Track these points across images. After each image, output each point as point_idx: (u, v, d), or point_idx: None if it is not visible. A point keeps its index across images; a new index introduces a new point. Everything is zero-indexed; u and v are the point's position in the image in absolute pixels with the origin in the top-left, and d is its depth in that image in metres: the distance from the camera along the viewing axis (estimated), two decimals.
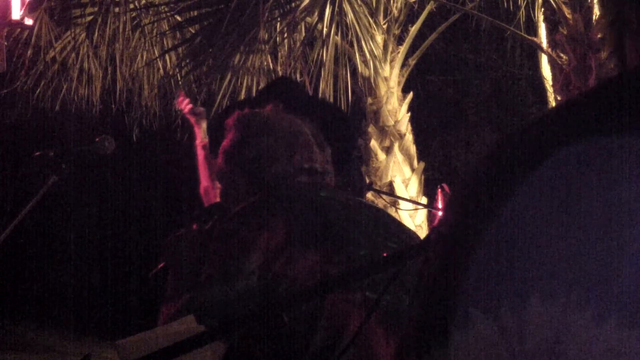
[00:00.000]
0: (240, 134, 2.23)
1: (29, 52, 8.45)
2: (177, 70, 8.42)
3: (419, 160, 7.63)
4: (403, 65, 7.77)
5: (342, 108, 6.13)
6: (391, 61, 7.64)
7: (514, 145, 0.82)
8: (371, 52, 6.84)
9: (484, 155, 0.85)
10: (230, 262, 1.91)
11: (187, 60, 7.75)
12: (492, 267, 0.72)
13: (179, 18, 8.14)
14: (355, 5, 6.68)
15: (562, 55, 6.86)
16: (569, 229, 0.70)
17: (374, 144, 7.35)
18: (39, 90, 8.76)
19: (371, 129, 7.43)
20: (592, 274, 0.68)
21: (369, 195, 5.15)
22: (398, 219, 2.26)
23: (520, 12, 7.74)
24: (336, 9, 6.56)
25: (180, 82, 8.56)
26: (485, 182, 0.82)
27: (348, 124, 3.31)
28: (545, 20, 8.60)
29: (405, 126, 7.61)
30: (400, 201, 6.53)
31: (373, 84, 7.47)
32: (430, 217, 7.04)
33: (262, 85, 7.06)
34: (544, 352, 0.68)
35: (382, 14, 7.49)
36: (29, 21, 5.13)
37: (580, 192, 0.71)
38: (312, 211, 1.99)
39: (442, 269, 0.76)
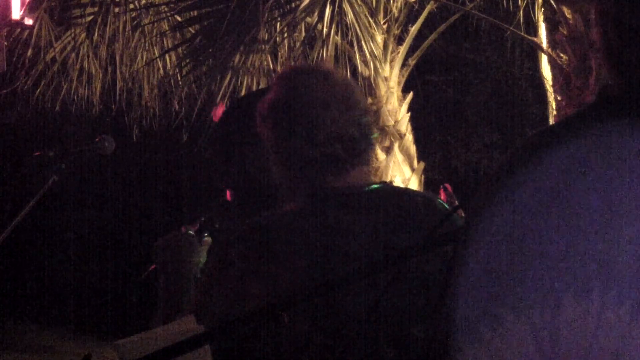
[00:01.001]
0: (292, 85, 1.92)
1: (29, 52, 8.45)
2: (177, 70, 8.42)
3: (419, 160, 7.63)
4: (403, 65, 7.77)
5: None
6: (391, 61, 7.64)
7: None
8: (371, 52, 6.84)
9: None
10: (224, 305, 1.79)
11: (187, 60, 7.75)
12: (521, 268, 0.72)
13: (179, 18, 8.14)
14: (355, 5, 6.68)
15: (562, 55, 6.86)
16: (602, 228, 0.70)
17: None
18: (39, 90, 8.77)
19: None
20: (627, 271, 0.68)
21: None
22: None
23: (520, 12, 7.74)
24: (336, 9, 6.56)
25: (180, 82, 8.56)
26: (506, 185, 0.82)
27: None
28: (545, 20, 8.60)
29: (405, 126, 7.61)
30: None
31: (373, 84, 7.47)
32: None
33: (262, 85, 7.06)
34: (579, 351, 0.68)
35: (382, 14, 7.49)
36: (29, 21, 5.13)
37: (615, 190, 0.71)
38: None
39: (468, 270, 0.77)
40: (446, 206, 1.97)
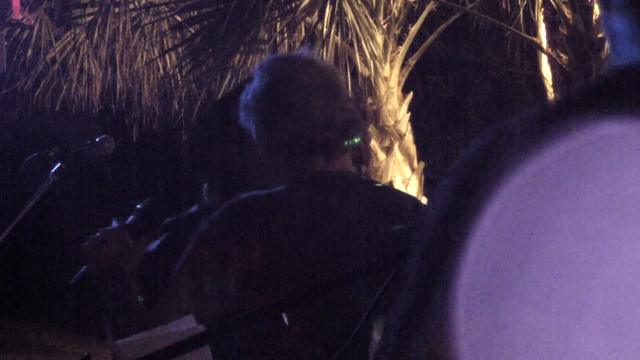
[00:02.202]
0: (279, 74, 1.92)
1: (29, 52, 8.45)
2: (177, 70, 8.42)
3: (419, 160, 7.63)
4: (403, 65, 7.77)
5: None
6: (391, 61, 7.64)
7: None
8: (371, 52, 6.84)
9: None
10: (207, 280, 1.78)
11: (187, 60, 7.75)
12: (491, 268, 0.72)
13: (179, 18, 8.14)
14: (355, 5, 6.68)
15: (562, 55, 6.86)
16: (563, 230, 0.70)
17: (374, 144, 7.35)
18: (39, 90, 8.76)
19: (371, 129, 7.43)
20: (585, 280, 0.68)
21: None
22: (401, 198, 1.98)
23: (520, 12, 7.74)
24: (336, 9, 6.56)
25: (180, 82, 8.56)
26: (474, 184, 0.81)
27: None
28: (545, 20, 8.59)
29: (405, 126, 7.61)
30: None
31: (373, 84, 7.47)
32: None
33: None
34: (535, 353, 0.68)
35: (382, 14, 7.48)
36: (29, 21, 5.12)
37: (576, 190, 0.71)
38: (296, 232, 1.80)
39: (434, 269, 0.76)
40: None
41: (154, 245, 2.22)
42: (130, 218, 2.14)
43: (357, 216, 1.82)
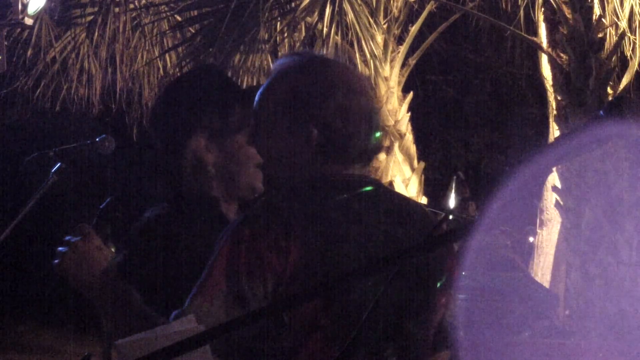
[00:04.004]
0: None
1: (29, 52, 8.45)
2: (177, 70, 8.42)
3: (419, 160, 7.63)
4: (403, 65, 7.77)
5: None
6: (391, 61, 7.64)
7: None
8: (371, 52, 6.84)
9: None
10: (244, 282, 1.75)
11: (187, 60, 7.75)
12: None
13: (179, 18, 8.13)
14: (355, 5, 6.68)
15: (562, 55, 6.86)
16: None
17: None
18: (39, 90, 8.76)
19: None
20: None
21: None
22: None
23: (520, 12, 7.74)
24: (336, 8, 6.56)
25: None
26: None
27: None
28: (545, 20, 8.59)
29: (405, 126, 7.61)
30: None
31: (373, 84, 7.47)
32: None
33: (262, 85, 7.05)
34: None
35: (382, 14, 7.48)
36: (29, 21, 5.12)
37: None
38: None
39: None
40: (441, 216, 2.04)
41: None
42: (95, 221, 2.11)
43: (384, 224, 1.84)
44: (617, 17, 6.84)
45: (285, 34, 7.00)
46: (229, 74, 7.10)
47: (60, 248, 2.01)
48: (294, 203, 1.83)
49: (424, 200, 7.33)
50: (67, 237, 2.01)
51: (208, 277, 1.78)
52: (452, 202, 4.39)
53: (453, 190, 5.23)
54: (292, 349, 1.76)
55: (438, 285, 1.87)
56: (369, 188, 1.87)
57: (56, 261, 2.01)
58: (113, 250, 2.04)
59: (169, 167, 2.22)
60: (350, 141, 1.86)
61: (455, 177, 5.49)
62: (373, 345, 1.78)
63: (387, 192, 1.97)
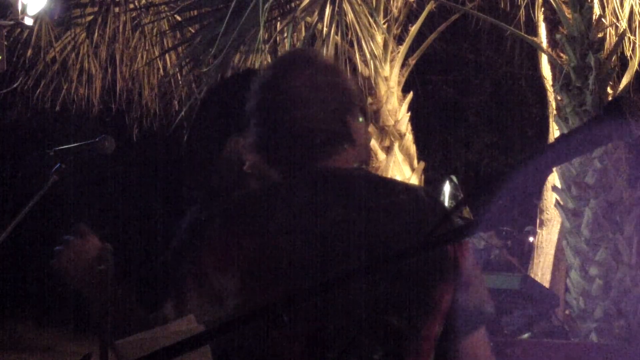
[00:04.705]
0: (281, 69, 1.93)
1: (29, 52, 8.45)
2: (177, 70, 8.42)
3: (419, 160, 7.63)
4: (403, 65, 7.77)
5: None
6: (391, 61, 7.64)
7: None
8: (371, 52, 6.83)
9: None
10: (212, 278, 1.76)
11: (187, 60, 7.75)
12: None
13: (179, 18, 8.13)
14: (355, 5, 6.68)
15: (562, 55, 6.86)
16: None
17: (374, 143, 7.35)
18: (39, 90, 8.76)
19: (371, 128, 7.43)
20: None
21: None
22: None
23: (520, 12, 7.74)
24: (336, 8, 6.56)
25: (180, 82, 8.56)
26: None
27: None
28: (545, 20, 8.60)
29: (405, 126, 7.61)
30: None
31: (373, 84, 7.47)
32: None
33: None
34: None
35: (382, 14, 7.48)
36: (29, 21, 5.12)
37: None
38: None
39: None
40: (433, 196, 1.97)
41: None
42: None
43: (353, 213, 1.82)
44: (617, 17, 6.84)
45: (285, 34, 7.00)
46: (229, 74, 7.10)
47: (57, 247, 2.01)
48: (256, 199, 1.84)
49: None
50: (65, 237, 2.01)
51: (178, 279, 1.80)
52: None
53: (447, 194, 5.23)
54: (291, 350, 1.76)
55: (433, 276, 1.84)
56: (339, 179, 1.87)
57: (53, 260, 2.02)
58: (111, 249, 2.04)
59: (205, 165, 2.24)
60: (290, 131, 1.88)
61: (448, 181, 5.48)
62: (351, 341, 1.77)
63: (369, 180, 1.93)
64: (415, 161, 7.57)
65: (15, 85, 8.32)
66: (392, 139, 7.44)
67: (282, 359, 1.76)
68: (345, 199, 1.83)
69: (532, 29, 8.56)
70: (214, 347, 1.70)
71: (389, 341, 1.78)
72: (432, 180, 10.35)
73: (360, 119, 1.95)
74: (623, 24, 6.86)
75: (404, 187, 1.92)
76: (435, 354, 1.86)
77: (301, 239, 1.77)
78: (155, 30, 8.66)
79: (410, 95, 7.73)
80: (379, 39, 7.36)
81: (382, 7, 7.47)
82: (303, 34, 7.26)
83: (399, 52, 7.71)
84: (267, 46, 7.03)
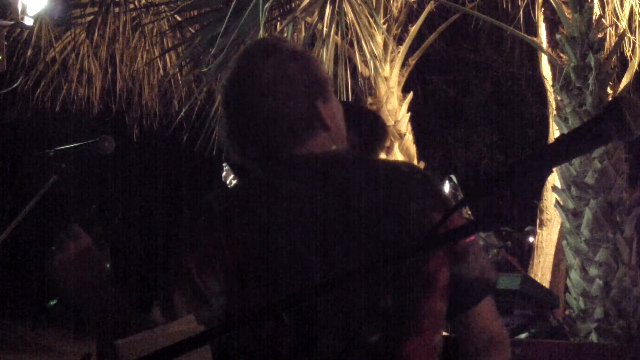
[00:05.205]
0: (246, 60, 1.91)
1: (29, 52, 8.45)
2: (177, 70, 8.42)
3: (419, 160, 7.63)
4: (403, 65, 7.77)
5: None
6: (391, 61, 7.64)
7: None
8: (371, 52, 6.84)
9: None
10: (196, 278, 1.75)
11: (187, 60, 7.75)
12: None
13: (179, 18, 8.14)
14: (355, 5, 6.68)
15: (562, 55, 6.86)
16: None
17: None
18: (39, 90, 8.77)
19: None
20: None
21: None
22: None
23: (520, 12, 7.75)
24: (336, 8, 6.56)
25: (180, 82, 8.56)
26: None
27: (383, 128, 3.27)
28: (545, 20, 8.60)
29: (405, 126, 7.61)
30: None
31: (373, 84, 7.47)
32: None
33: None
34: None
35: (382, 14, 7.48)
36: (29, 21, 5.12)
37: None
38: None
39: None
40: (415, 168, 1.91)
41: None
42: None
43: (334, 197, 1.80)
44: (617, 17, 6.85)
45: (285, 34, 7.00)
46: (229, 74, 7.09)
47: (52, 248, 2.00)
48: (227, 197, 1.83)
49: None
50: (59, 237, 2.00)
51: (163, 281, 1.79)
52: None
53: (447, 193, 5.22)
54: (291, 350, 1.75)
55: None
56: (313, 164, 1.85)
57: (47, 262, 2.00)
58: (108, 252, 2.03)
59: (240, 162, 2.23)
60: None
61: (448, 180, 5.47)
62: (342, 327, 1.75)
63: (347, 162, 1.91)
64: (415, 161, 7.57)
65: (15, 85, 8.32)
66: (392, 139, 7.44)
67: (276, 351, 1.75)
68: (324, 183, 1.80)
69: (532, 29, 8.57)
70: (214, 347, 1.69)
71: (386, 322, 1.76)
72: None
73: (333, 103, 1.93)
74: (623, 24, 6.86)
75: (383, 163, 1.90)
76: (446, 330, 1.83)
77: (284, 232, 1.75)
78: (155, 30, 8.66)
79: (410, 95, 7.73)
80: (379, 39, 7.36)
81: (382, 7, 7.47)
82: (303, 34, 7.26)
83: (399, 52, 7.71)
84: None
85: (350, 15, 6.66)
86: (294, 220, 1.76)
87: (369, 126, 3.02)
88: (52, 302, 1.89)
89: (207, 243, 1.76)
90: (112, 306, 1.89)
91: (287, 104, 1.85)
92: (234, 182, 3.59)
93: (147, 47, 8.75)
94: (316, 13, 6.73)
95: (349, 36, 6.85)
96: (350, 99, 6.89)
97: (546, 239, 9.73)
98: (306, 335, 1.73)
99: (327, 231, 1.76)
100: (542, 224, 9.78)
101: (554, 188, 6.82)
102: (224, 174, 3.67)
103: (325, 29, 6.58)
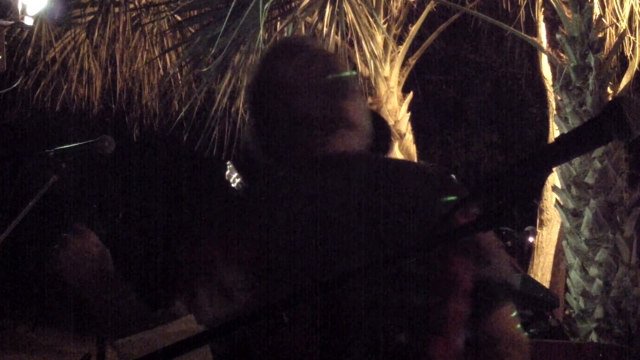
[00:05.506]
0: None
1: (29, 52, 8.45)
2: (177, 70, 8.42)
3: (418, 160, 7.62)
4: (403, 65, 7.77)
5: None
6: (391, 61, 7.64)
7: None
8: (371, 52, 6.84)
9: None
10: (222, 272, 1.74)
11: (187, 60, 7.75)
12: None
13: (179, 18, 8.13)
14: (355, 5, 6.68)
15: (562, 55, 6.86)
16: None
17: None
18: (39, 90, 8.77)
19: None
20: None
21: None
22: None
23: (520, 12, 7.74)
24: (336, 8, 6.56)
25: (180, 82, 8.55)
26: None
27: (388, 130, 3.27)
28: (545, 20, 8.59)
29: (405, 126, 7.61)
30: None
31: (373, 84, 7.47)
32: None
33: None
34: None
35: (382, 14, 7.48)
36: (29, 21, 5.12)
37: None
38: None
39: None
40: (444, 172, 1.92)
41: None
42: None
43: (358, 196, 1.79)
44: (617, 17, 6.85)
45: (285, 34, 6.99)
46: (229, 74, 7.10)
47: (55, 246, 2.00)
48: (254, 192, 1.84)
49: None
50: (63, 235, 2.00)
51: (186, 274, 1.79)
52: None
53: None
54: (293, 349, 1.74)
55: (446, 251, 1.80)
56: (338, 164, 1.85)
57: (50, 259, 2.00)
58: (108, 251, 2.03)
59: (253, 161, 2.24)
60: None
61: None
62: (368, 326, 1.74)
63: (376, 162, 1.91)
64: (415, 161, 7.57)
65: (15, 85, 8.32)
66: (392, 139, 7.44)
67: (302, 350, 1.74)
68: (349, 182, 1.80)
69: (532, 29, 8.56)
70: (214, 347, 1.69)
71: (412, 322, 1.76)
72: None
73: (361, 103, 1.93)
74: (623, 24, 6.86)
75: (411, 165, 1.89)
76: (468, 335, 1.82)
77: (308, 228, 1.75)
78: (155, 30, 8.65)
79: (410, 95, 7.73)
80: (379, 39, 7.36)
81: (382, 7, 7.47)
82: (303, 34, 7.26)
83: (399, 52, 7.71)
84: (267, 46, 7.04)
85: (350, 15, 6.66)
86: (319, 218, 1.76)
87: (377, 128, 3.03)
88: None
89: (234, 236, 1.76)
90: (117, 304, 1.89)
91: (312, 103, 1.86)
92: (237, 180, 3.59)
93: (147, 47, 8.75)
94: (316, 13, 6.73)
95: (349, 36, 6.85)
96: None
97: (546, 239, 9.74)
98: (333, 335, 1.73)
99: (351, 230, 1.76)
100: (542, 224, 9.78)
101: (554, 188, 6.82)
102: (227, 172, 3.67)
103: (325, 29, 6.58)
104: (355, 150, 1.88)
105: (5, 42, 5.46)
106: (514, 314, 1.91)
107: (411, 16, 8.01)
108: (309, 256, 1.73)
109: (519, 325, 1.91)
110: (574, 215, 6.40)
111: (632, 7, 6.99)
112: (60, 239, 1.99)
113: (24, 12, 4.99)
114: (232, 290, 1.74)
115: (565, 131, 5.21)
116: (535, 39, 8.20)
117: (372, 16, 6.87)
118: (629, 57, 7.26)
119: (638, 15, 7.06)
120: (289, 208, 1.77)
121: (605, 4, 6.81)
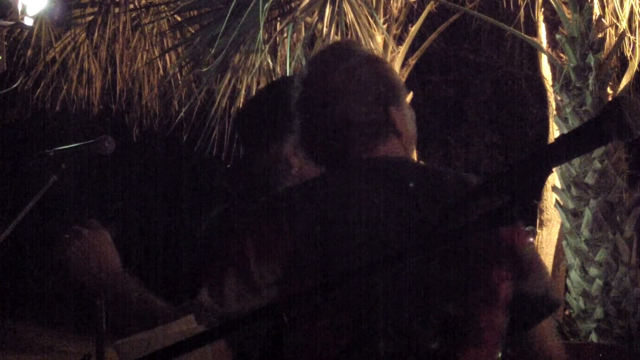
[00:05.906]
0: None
1: (29, 52, 8.45)
2: (177, 70, 8.42)
3: (418, 160, 7.62)
4: (403, 65, 7.77)
5: None
6: (391, 61, 7.63)
7: None
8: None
9: None
10: (253, 267, 1.75)
11: (187, 60, 7.75)
12: None
13: (179, 18, 8.13)
14: (355, 5, 6.68)
15: (562, 55, 6.85)
16: None
17: None
18: (39, 90, 8.76)
19: None
20: None
21: None
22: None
23: (520, 12, 7.74)
24: (336, 8, 6.56)
25: (180, 82, 8.55)
26: None
27: None
28: (545, 20, 8.59)
29: None
30: None
31: None
32: None
33: (262, 85, 7.05)
34: None
35: (382, 14, 7.48)
36: (29, 21, 5.12)
37: None
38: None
39: None
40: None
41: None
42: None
43: (399, 201, 1.79)
44: (617, 17, 6.84)
45: (285, 34, 7.00)
46: (229, 74, 7.10)
47: (65, 235, 2.00)
48: (295, 191, 1.84)
49: None
50: (75, 227, 2.00)
51: (216, 266, 1.79)
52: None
53: None
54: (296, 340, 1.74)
55: (485, 261, 1.77)
56: (380, 168, 1.85)
57: (58, 248, 2.00)
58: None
59: (252, 167, 2.25)
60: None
61: None
62: (401, 331, 1.73)
63: (416, 169, 1.91)
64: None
65: (15, 85, 8.32)
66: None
67: (327, 351, 1.73)
68: (391, 186, 1.80)
69: (532, 29, 8.55)
70: (232, 342, 1.70)
71: (446, 330, 1.75)
72: None
73: (405, 109, 1.95)
74: (623, 24, 6.85)
75: (453, 174, 1.90)
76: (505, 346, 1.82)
77: (346, 229, 1.75)
78: (155, 30, 8.65)
79: (410, 95, 7.73)
80: (379, 39, 7.36)
81: (382, 7, 7.47)
82: (303, 34, 7.25)
83: (399, 52, 7.71)
84: (267, 46, 7.03)
85: (350, 15, 6.66)
86: (358, 221, 1.76)
87: None
88: None
89: (268, 231, 1.77)
90: (126, 297, 1.90)
91: (359, 108, 1.87)
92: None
93: (147, 47, 8.75)
94: (316, 13, 6.73)
95: (349, 36, 6.85)
96: None
97: (546, 239, 9.73)
98: (363, 337, 1.72)
99: (390, 235, 1.76)
100: (542, 224, 9.78)
101: (554, 188, 6.82)
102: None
103: (325, 29, 6.58)
104: (399, 155, 1.88)
105: (5, 42, 5.45)
106: (553, 329, 1.90)
107: (411, 16, 8.00)
108: (342, 258, 1.73)
109: (558, 340, 1.91)
110: (574, 215, 6.40)
111: (632, 7, 6.99)
112: (72, 230, 2.00)
113: (24, 12, 4.99)
114: (260, 284, 1.74)
115: (565, 131, 5.21)
116: (535, 39, 8.20)
117: (372, 16, 6.87)
118: (629, 57, 7.25)
119: (638, 15, 7.05)
120: (327, 209, 1.77)
121: (605, 4, 6.81)
